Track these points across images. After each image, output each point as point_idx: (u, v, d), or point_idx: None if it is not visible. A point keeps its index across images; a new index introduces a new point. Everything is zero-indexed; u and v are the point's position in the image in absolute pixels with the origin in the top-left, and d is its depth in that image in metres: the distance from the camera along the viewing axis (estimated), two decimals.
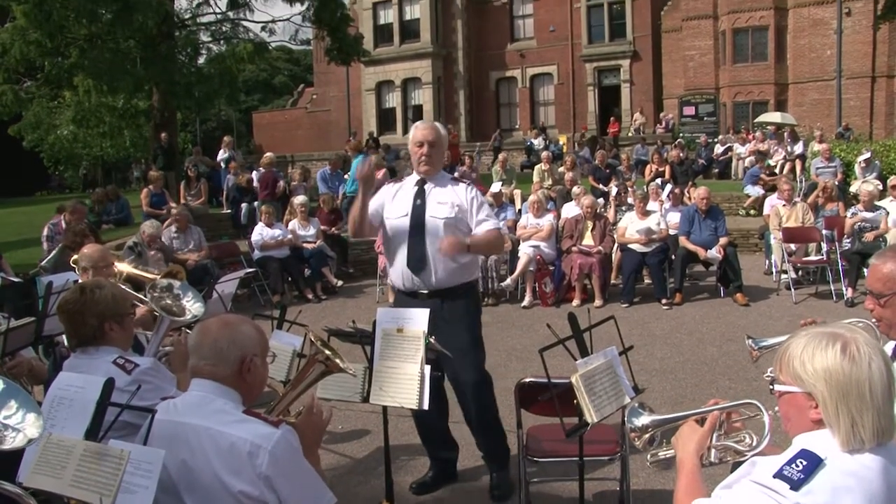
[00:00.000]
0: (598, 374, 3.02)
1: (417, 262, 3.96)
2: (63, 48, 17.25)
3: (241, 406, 2.24)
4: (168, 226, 10.13)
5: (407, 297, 4.07)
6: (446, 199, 4.00)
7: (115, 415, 2.28)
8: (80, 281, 4.02)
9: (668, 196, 11.31)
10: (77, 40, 17.15)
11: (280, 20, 20.50)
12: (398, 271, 4.08)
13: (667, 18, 32.13)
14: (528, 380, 3.71)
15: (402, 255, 4.03)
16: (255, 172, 14.26)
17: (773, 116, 23.64)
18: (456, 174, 14.77)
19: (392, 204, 4.11)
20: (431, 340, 3.42)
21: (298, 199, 11.14)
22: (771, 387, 1.85)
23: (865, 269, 8.34)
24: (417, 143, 4.03)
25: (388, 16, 34.22)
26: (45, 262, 8.34)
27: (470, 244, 3.92)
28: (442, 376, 4.10)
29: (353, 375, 3.25)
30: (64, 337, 3.24)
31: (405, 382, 3.32)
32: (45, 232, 10.20)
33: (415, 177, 4.13)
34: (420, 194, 4.04)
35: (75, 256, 4.40)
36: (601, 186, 14.62)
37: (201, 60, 20.15)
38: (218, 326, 2.31)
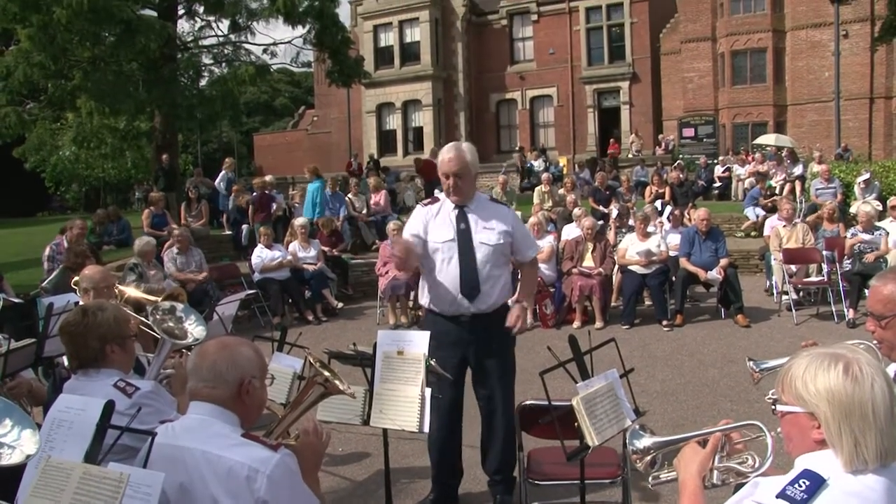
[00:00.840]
0: (599, 397, 3.01)
1: (471, 288, 3.93)
2: (66, 70, 17.39)
3: (239, 429, 2.23)
4: (169, 247, 10.14)
5: (446, 321, 4.03)
6: (493, 225, 3.99)
7: (115, 438, 2.27)
8: (81, 302, 4.03)
9: (667, 217, 11.32)
10: (80, 63, 17.28)
11: (281, 43, 20.69)
12: (443, 296, 4.01)
13: (665, 41, 32.37)
14: (528, 402, 3.70)
15: (449, 280, 3.97)
16: (254, 194, 14.28)
17: (769, 139, 23.74)
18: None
19: (434, 227, 4.06)
20: (432, 363, 3.42)
21: (299, 221, 11.15)
22: (773, 407, 1.84)
23: (867, 291, 8.34)
24: (444, 175, 3.98)
25: (389, 38, 34.47)
26: (46, 282, 8.35)
27: (527, 305, 4.08)
28: (461, 398, 4.09)
29: (353, 397, 3.23)
30: (64, 358, 3.24)
31: (405, 405, 3.31)
32: (47, 252, 10.20)
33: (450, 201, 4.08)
34: (462, 217, 4.00)
35: (76, 278, 4.40)
36: (601, 208, 14.65)
37: (203, 83, 20.30)
38: (216, 348, 2.30)
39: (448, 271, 3.98)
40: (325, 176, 14.49)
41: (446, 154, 4.00)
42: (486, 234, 3.95)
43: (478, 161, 4.10)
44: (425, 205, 4.21)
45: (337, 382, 2.67)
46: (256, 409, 2.36)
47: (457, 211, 4.02)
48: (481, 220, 3.99)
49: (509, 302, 4.16)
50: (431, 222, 4.07)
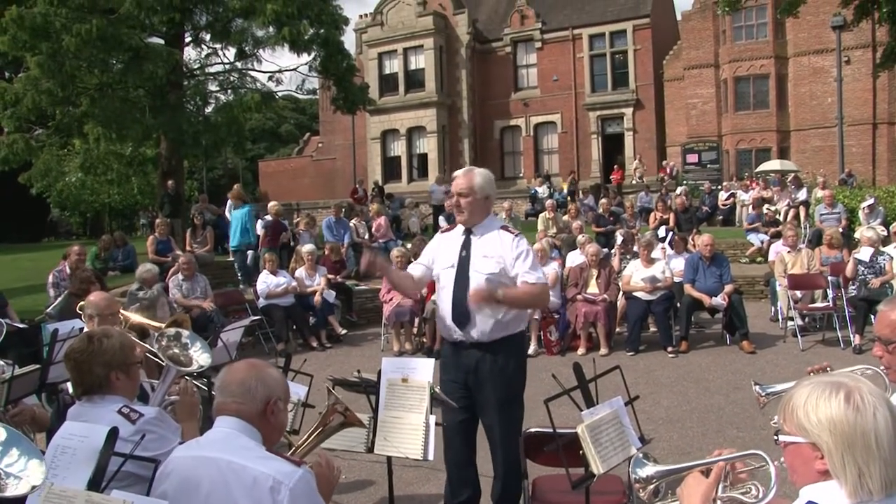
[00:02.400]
0: (604, 425, 3.00)
1: (462, 316, 3.93)
2: (74, 97, 17.55)
3: (262, 447, 2.28)
4: (174, 273, 10.16)
5: (451, 346, 4.06)
6: (492, 253, 3.94)
7: (119, 465, 2.28)
8: (85, 328, 4.03)
9: (669, 243, 11.32)
10: (88, 89, 17.45)
11: (287, 70, 20.86)
12: (443, 321, 4.07)
13: (668, 67, 32.58)
14: (533, 429, 3.69)
15: (444, 306, 4.02)
16: (259, 221, 14.34)
17: (773, 164, 23.82)
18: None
19: (441, 253, 4.11)
20: (436, 390, 3.41)
21: (307, 248, 11.13)
22: (776, 437, 1.84)
23: (873, 316, 8.32)
24: (452, 193, 4.05)
25: (394, 66, 34.74)
26: (50, 308, 8.38)
27: (503, 297, 3.80)
28: (471, 421, 4.07)
29: (364, 426, 3.24)
30: (68, 384, 3.24)
31: (410, 433, 3.30)
32: (51, 279, 10.24)
33: (462, 226, 4.10)
34: (466, 245, 4.01)
35: (81, 303, 4.40)
36: (604, 229, 14.69)
37: (209, 109, 20.46)
38: (247, 367, 2.38)
39: (444, 298, 4.02)
40: (329, 202, 14.53)
41: (458, 173, 4.09)
42: (484, 262, 3.92)
43: (491, 188, 4.08)
44: (443, 231, 4.29)
45: (354, 413, 2.69)
46: (278, 431, 2.41)
47: (464, 237, 4.04)
48: (483, 249, 3.97)
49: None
50: (443, 249, 4.12)
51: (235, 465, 2.16)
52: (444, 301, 4.02)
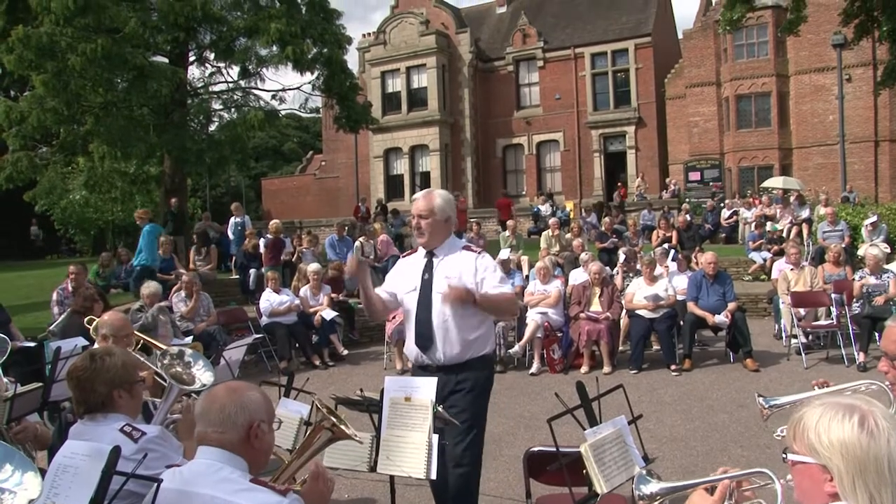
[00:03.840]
0: (607, 444, 2.99)
1: (425, 339, 3.91)
2: (79, 116, 17.64)
3: (247, 474, 2.22)
4: (177, 291, 10.17)
5: (419, 370, 4.03)
6: (455, 273, 3.91)
7: (120, 484, 2.26)
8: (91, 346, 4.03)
9: (672, 259, 11.31)
10: (93, 108, 17.54)
11: (290, 89, 20.93)
12: (408, 345, 4.07)
13: (670, 86, 32.71)
14: (536, 448, 3.67)
15: (409, 330, 4.01)
16: (262, 239, 14.37)
17: (776, 181, 23.83)
18: (463, 240, 14.95)
19: (403, 277, 4.09)
20: (440, 409, 3.40)
21: (312, 267, 11.11)
22: (784, 455, 1.82)
23: (877, 333, 8.31)
24: (412, 215, 4.02)
25: (396, 84, 34.93)
26: (53, 326, 8.39)
27: (479, 299, 3.80)
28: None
29: (360, 442, 3.22)
30: (69, 402, 3.23)
31: (412, 452, 3.29)
32: (55, 296, 10.25)
33: (423, 248, 4.08)
34: (428, 267, 3.99)
35: (95, 322, 4.38)
36: (606, 244, 14.70)
37: (212, 127, 20.53)
38: (225, 392, 2.30)
39: (409, 321, 4.00)
40: (332, 220, 14.55)
41: (418, 195, 4.09)
42: (446, 283, 3.87)
43: (451, 209, 4.08)
44: (404, 256, 4.28)
45: (343, 427, 2.66)
46: (264, 454, 2.35)
47: (426, 260, 4.02)
48: (445, 270, 3.95)
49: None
50: (405, 273, 4.09)
51: (219, 501, 2.11)
52: (408, 325, 4.01)
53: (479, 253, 4.04)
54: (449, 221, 4.05)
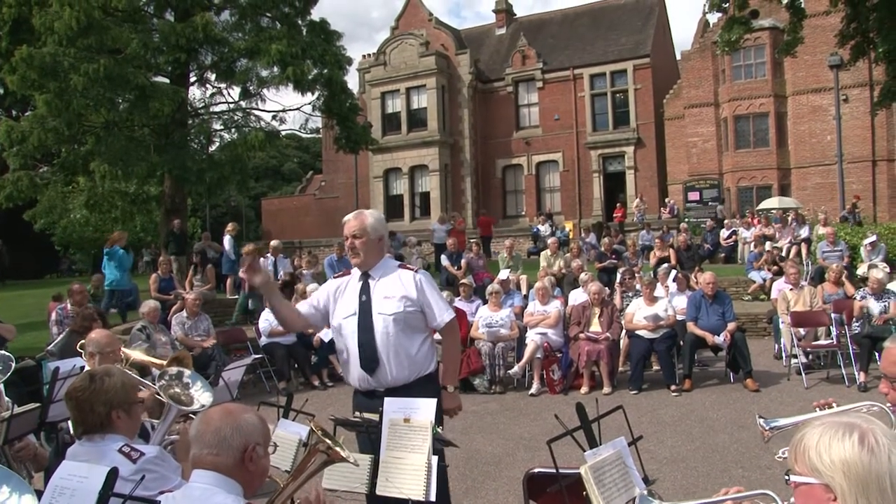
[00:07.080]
0: (607, 466, 2.97)
1: (370, 361, 3.82)
2: (80, 135, 17.72)
3: (242, 498, 2.21)
4: (177, 311, 10.16)
5: (364, 397, 3.92)
6: (393, 293, 3.85)
7: None
8: (86, 366, 4.02)
9: (673, 279, 11.31)
10: (94, 127, 17.63)
11: (290, 109, 21.04)
12: (353, 372, 3.93)
13: (669, 106, 32.87)
14: (536, 470, 3.65)
15: (352, 355, 3.89)
16: (262, 259, 14.37)
17: (772, 202, 23.91)
18: (463, 261, 14.95)
19: (338, 302, 3.98)
20: (439, 431, 3.38)
21: (310, 288, 11.09)
22: (786, 477, 1.81)
23: (877, 353, 8.29)
24: (345, 236, 3.96)
25: (396, 105, 35.10)
26: (52, 346, 8.36)
27: (452, 389, 3.95)
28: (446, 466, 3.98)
29: (356, 465, 3.20)
30: (68, 423, 3.22)
31: (412, 473, 3.26)
32: (54, 316, 10.23)
33: (358, 270, 3.99)
34: (365, 289, 3.91)
35: (82, 341, 4.39)
36: (605, 264, 14.71)
37: (213, 147, 20.62)
38: (221, 415, 2.29)
39: (350, 346, 3.89)
40: (332, 240, 14.54)
41: (349, 217, 4.03)
42: (386, 303, 3.82)
43: (384, 228, 4.06)
44: (336, 277, 4.17)
45: (339, 450, 2.64)
46: (259, 478, 2.33)
47: (361, 282, 3.94)
48: (383, 290, 3.88)
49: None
50: (340, 298, 4.00)
51: None
52: (350, 350, 3.89)
53: (416, 271, 3.99)
54: (382, 241, 4.02)
